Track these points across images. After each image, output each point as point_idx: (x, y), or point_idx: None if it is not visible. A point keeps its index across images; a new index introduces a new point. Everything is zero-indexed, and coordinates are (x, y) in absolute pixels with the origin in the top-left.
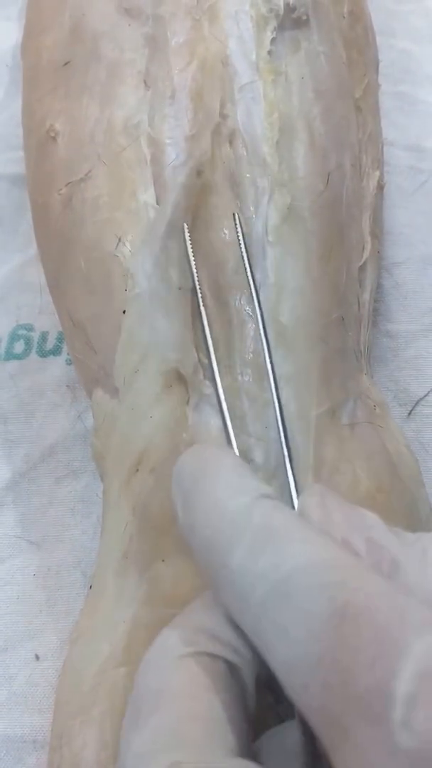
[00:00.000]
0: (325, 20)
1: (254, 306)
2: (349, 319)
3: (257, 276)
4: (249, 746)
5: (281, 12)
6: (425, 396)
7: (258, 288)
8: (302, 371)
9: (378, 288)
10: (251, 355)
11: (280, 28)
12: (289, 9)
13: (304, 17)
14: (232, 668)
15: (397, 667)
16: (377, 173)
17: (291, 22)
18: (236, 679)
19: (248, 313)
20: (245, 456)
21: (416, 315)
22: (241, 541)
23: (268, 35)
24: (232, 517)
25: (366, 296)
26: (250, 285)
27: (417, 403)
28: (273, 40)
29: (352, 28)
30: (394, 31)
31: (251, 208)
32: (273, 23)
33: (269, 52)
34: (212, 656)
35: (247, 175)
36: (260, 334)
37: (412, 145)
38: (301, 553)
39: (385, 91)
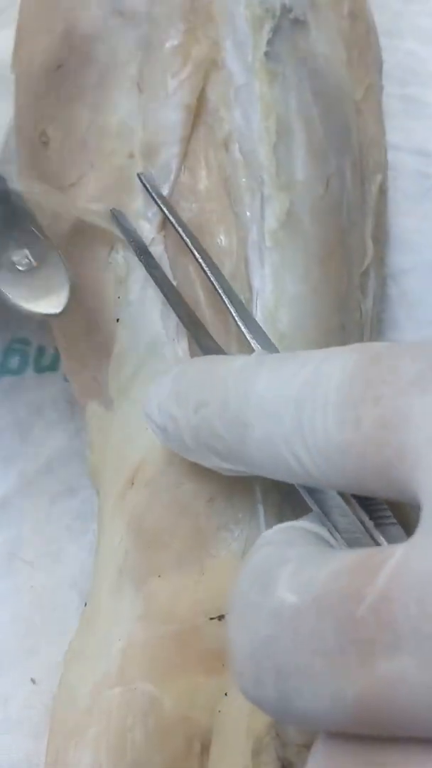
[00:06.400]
0: (324, 20)
1: (251, 310)
2: (351, 327)
3: (255, 283)
4: None
5: (277, 12)
6: None
7: (256, 295)
8: None
9: (384, 296)
10: None
11: (277, 28)
12: (286, 9)
13: (302, 17)
14: None
15: None
16: (379, 177)
17: (288, 22)
18: None
19: None
20: None
21: (424, 324)
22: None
23: (265, 36)
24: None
25: (368, 303)
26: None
27: None
28: (269, 41)
29: (353, 28)
30: (399, 32)
31: (248, 214)
32: (269, 24)
33: (266, 54)
34: None
35: (244, 180)
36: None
37: (418, 150)
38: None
39: (390, 94)
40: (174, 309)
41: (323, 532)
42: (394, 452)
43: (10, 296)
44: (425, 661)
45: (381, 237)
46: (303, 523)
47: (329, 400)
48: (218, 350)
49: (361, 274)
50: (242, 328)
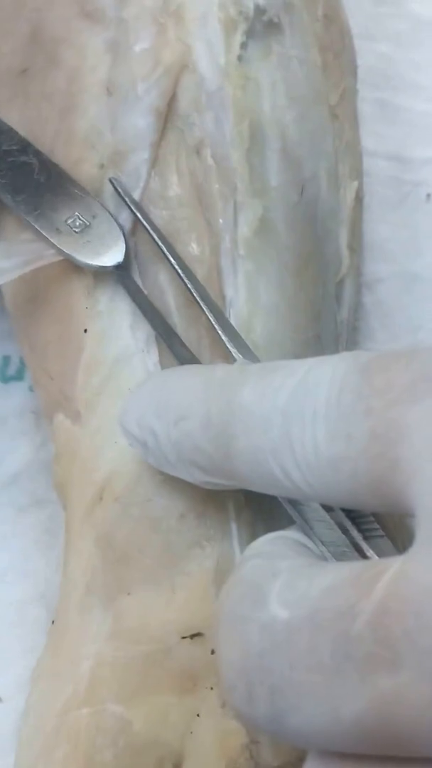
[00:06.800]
0: (298, 23)
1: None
2: (326, 338)
3: (228, 292)
4: None
5: (251, 15)
6: None
7: (229, 304)
8: None
9: (359, 306)
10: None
11: (250, 31)
12: (260, 11)
13: (276, 20)
14: None
15: None
16: (355, 184)
17: (262, 25)
18: None
19: None
20: None
21: (399, 334)
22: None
23: (237, 39)
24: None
25: (344, 314)
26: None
27: None
28: (243, 45)
29: (327, 30)
30: (373, 35)
31: (221, 221)
32: (242, 26)
33: (239, 57)
34: None
35: (216, 186)
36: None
37: (394, 155)
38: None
39: (365, 98)
40: (147, 318)
41: (310, 544)
42: (388, 466)
43: (77, 257)
44: (426, 676)
45: (357, 246)
46: (292, 534)
47: (318, 413)
48: (193, 360)
49: (336, 284)
50: (222, 335)
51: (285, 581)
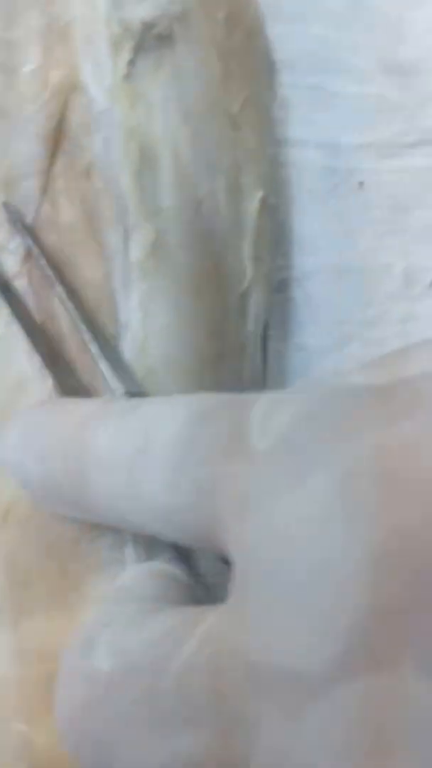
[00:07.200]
0: (195, 31)
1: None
2: (229, 355)
3: (122, 316)
4: None
5: (137, 31)
6: None
7: (124, 329)
8: None
9: (288, 300)
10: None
11: (139, 47)
12: (147, 26)
13: (167, 32)
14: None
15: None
16: (260, 193)
17: (152, 39)
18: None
19: None
20: None
21: (328, 328)
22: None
23: (125, 57)
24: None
25: (250, 326)
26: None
27: None
28: (130, 62)
29: (230, 35)
30: (306, 16)
31: (113, 244)
32: (129, 43)
33: (127, 75)
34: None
35: (107, 210)
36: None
37: (325, 143)
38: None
39: (296, 84)
40: (34, 346)
41: (182, 574)
42: (209, 520)
43: None
44: (223, 734)
45: (264, 255)
46: (161, 566)
47: (156, 462)
48: (82, 390)
49: (240, 298)
50: (101, 366)
51: (114, 631)
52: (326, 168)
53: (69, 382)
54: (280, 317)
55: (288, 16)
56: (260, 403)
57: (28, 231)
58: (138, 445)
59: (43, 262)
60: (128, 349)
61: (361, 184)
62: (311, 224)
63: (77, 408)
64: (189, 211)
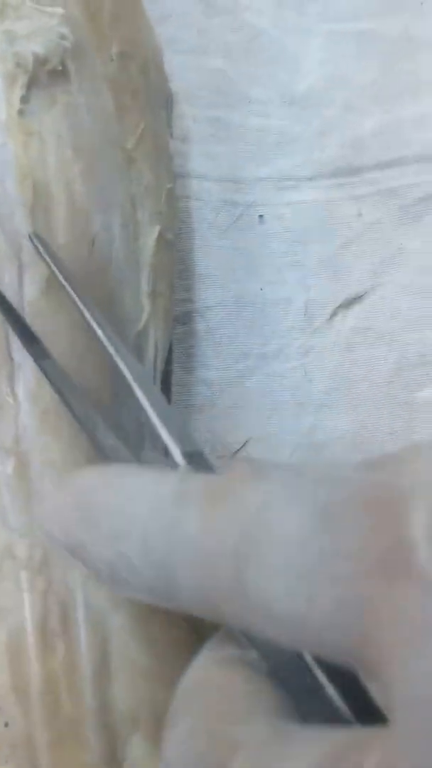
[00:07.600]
0: (87, 67)
1: (12, 387)
2: (124, 393)
3: (16, 356)
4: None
5: (30, 66)
6: (241, 448)
7: (17, 369)
8: (69, 456)
9: (192, 333)
10: (10, 443)
11: (32, 82)
12: (40, 61)
13: (60, 67)
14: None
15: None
16: (157, 228)
17: (45, 74)
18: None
19: (7, 394)
20: (9, 551)
21: (230, 361)
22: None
23: (17, 93)
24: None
25: (148, 363)
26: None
27: (234, 455)
28: (23, 98)
29: (124, 70)
30: (205, 49)
31: (6, 282)
32: (22, 79)
33: (20, 111)
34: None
35: (1, 248)
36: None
37: (226, 176)
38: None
39: (197, 117)
40: (67, 406)
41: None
42: (355, 638)
43: None
44: None
45: (163, 289)
46: (236, 651)
47: (276, 563)
48: (117, 448)
49: (136, 335)
50: (161, 432)
51: (248, 758)
52: (226, 201)
53: (103, 443)
54: (184, 350)
55: (187, 49)
56: (421, 510)
57: (54, 260)
58: (242, 540)
59: (68, 291)
60: (22, 392)
61: (261, 217)
62: (213, 257)
63: (145, 484)
64: (83, 247)
